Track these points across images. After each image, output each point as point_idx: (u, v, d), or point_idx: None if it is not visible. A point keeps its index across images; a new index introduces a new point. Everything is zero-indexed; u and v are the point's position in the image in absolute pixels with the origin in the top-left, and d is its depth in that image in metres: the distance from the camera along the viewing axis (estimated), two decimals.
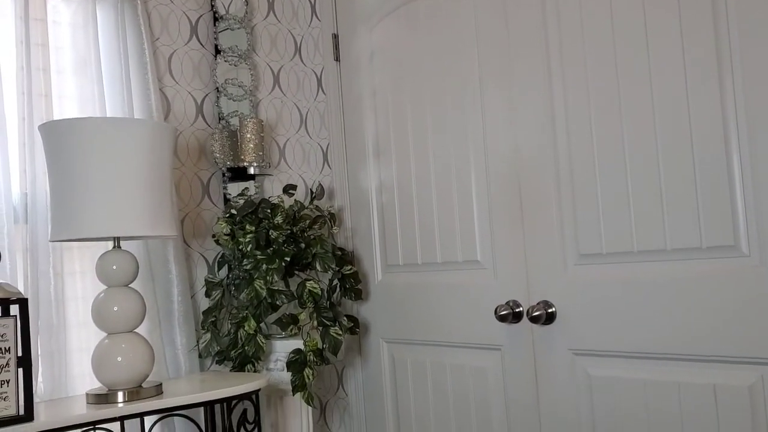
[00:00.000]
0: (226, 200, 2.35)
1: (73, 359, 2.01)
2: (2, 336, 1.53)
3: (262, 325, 2.17)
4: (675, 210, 1.65)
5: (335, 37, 2.55)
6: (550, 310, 1.88)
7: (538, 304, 1.90)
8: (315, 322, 2.19)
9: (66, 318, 1.99)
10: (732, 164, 1.56)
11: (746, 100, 1.53)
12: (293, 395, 2.18)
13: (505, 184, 2.01)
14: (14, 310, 1.58)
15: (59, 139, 1.72)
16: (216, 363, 2.26)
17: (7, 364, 1.54)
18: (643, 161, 1.70)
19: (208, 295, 2.25)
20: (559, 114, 1.87)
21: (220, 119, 2.37)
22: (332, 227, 2.40)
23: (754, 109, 1.52)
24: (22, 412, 1.55)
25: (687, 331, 1.63)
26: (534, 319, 1.88)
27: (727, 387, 1.57)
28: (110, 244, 1.91)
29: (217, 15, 2.40)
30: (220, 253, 2.31)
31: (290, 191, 2.34)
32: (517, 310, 1.96)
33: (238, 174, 2.38)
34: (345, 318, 2.29)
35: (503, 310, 1.95)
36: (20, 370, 1.55)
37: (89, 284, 2.05)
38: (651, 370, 1.70)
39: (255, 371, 2.16)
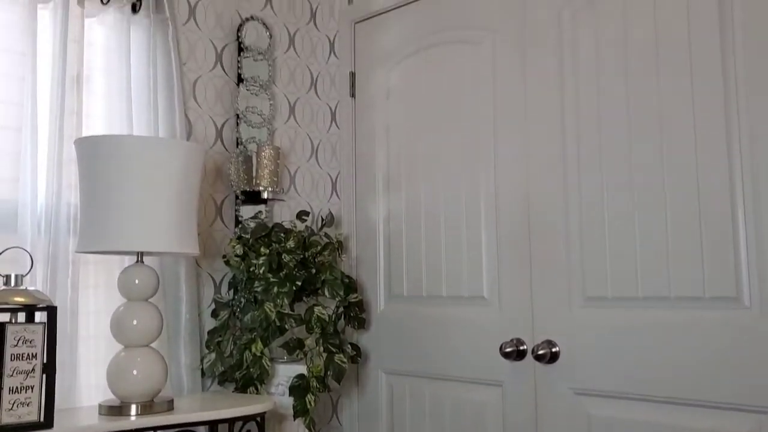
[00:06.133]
0: (238, 222, 2.40)
1: (81, 371, 2.03)
2: (30, 342, 1.56)
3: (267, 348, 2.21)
4: (680, 260, 1.75)
5: (352, 75, 2.64)
6: (554, 350, 1.96)
7: (542, 342, 1.98)
8: (321, 348, 2.24)
9: (78, 330, 2.02)
10: (737, 219, 1.66)
11: (752, 159, 1.65)
12: (294, 420, 2.21)
13: (514, 224, 2.09)
14: (42, 317, 1.61)
15: (97, 154, 1.77)
16: (218, 384, 2.28)
17: (33, 370, 1.56)
18: (650, 212, 1.80)
19: (215, 315, 2.28)
20: (571, 161, 1.97)
21: (238, 144, 2.44)
22: (340, 255, 2.46)
23: (759, 168, 1.64)
24: (42, 419, 1.57)
25: (688, 376, 1.71)
26: (538, 358, 1.96)
27: None
28: (128, 259, 1.94)
29: (242, 45, 2.48)
30: (230, 275, 2.35)
31: (303, 217, 2.40)
32: (521, 347, 2.04)
33: (251, 197, 2.44)
34: (349, 346, 2.34)
35: (508, 347, 2.03)
36: (44, 376, 1.58)
37: (102, 298, 2.08)
38: (651, 413, 1.77)
39: (257, 393, 2.18)
